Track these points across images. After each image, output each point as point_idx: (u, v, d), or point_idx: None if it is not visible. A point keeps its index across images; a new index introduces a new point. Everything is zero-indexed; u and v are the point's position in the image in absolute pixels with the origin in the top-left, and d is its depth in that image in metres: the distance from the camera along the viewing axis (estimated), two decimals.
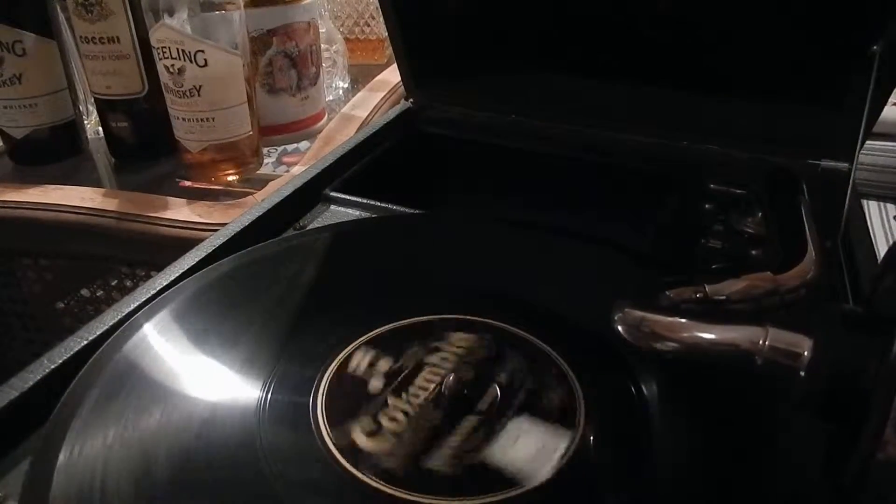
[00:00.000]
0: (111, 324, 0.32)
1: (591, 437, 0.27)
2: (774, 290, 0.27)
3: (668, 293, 0.27)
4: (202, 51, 0.62)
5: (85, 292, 0.75)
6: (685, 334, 0.25)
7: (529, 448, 0.26)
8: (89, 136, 0.80)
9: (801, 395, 0.22)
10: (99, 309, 0.74)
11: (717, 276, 0.29)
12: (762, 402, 0.27)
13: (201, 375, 0.30)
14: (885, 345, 0.19)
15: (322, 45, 0.82)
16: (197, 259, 0.37)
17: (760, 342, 0.23)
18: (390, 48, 0.61)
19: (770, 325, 0.23)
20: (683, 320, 0.25)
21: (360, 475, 0.25)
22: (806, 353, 0.22)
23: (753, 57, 0.49)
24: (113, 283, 0.73)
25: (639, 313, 0.26)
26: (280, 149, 0.78)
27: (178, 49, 0.62)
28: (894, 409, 0.18)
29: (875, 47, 0.42)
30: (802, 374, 0.22)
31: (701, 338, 0.24)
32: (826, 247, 0.37)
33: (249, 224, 0.41)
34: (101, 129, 0.76)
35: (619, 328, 0.26)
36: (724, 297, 0.27)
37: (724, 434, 0.28)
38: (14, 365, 0.79)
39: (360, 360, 0.31)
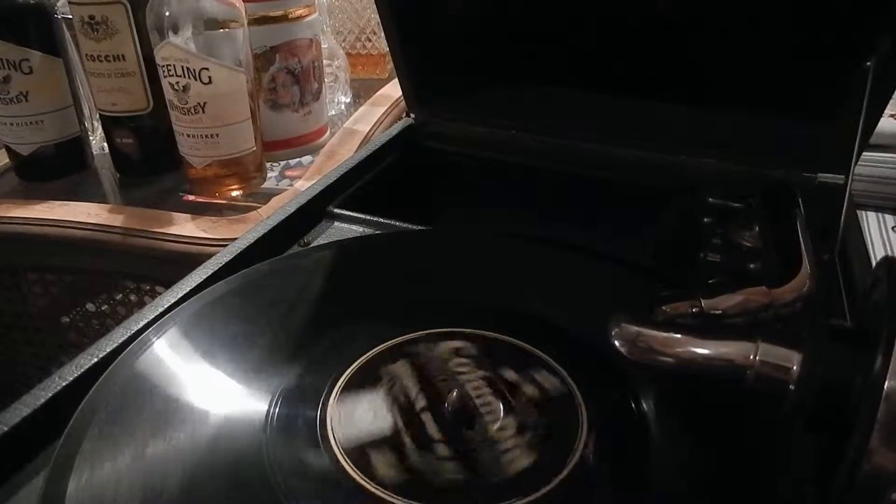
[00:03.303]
0: (121, 341, 0.33)
1: (593, 449, 0.28)
2: (770, 305, 0.28)
3: (664, 308, 0.28)
4: (206, 68, 0.63)
5: (90, 307, 0.76)
6: (679, 349, 0.25)
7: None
8: (94, 152, 0.81)
9: (791, 408, 0.23)
10: (104, 323, 0.75)
11: (713, 290, 0.29)
12: (758, 413, 0.27)
13: (210, 391, 0.31)
14: (869, 360, 0.20)
15: (324, 61, 0.83)
16: (204, 276, 0.38)
17: (751, 357, 0.24)
18: (391, 63, 0.61)
19: (761, 340, 0.24)
20: (678, 335, 0.26)
21: (369, 487, 0.26)
22: (795, 368, 0.23)
23: (751, 72, 0.49)
24: (118, 298, 0.73)
25: (635, 328, 0.26)
26: (283, 162, 0.78)
27: (182, 67, 0.63)
28: (878, 422, 0.18)
29: (869, 62, 0.43)
30: (792, 387, 0.23)
31: (695, 352, 0.25)
32: (823, 260, 0.37)
33: (255, 241, 0.42)
34: (106, 145, 0.77)
35: (616, 343, 0.27)
36: (719, 312, 0.28)
37: (720, 444, 0.28)
38: (19, 379, 0.80)
39: (366, 374, 0.32)
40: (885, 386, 0.19)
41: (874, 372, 0.19)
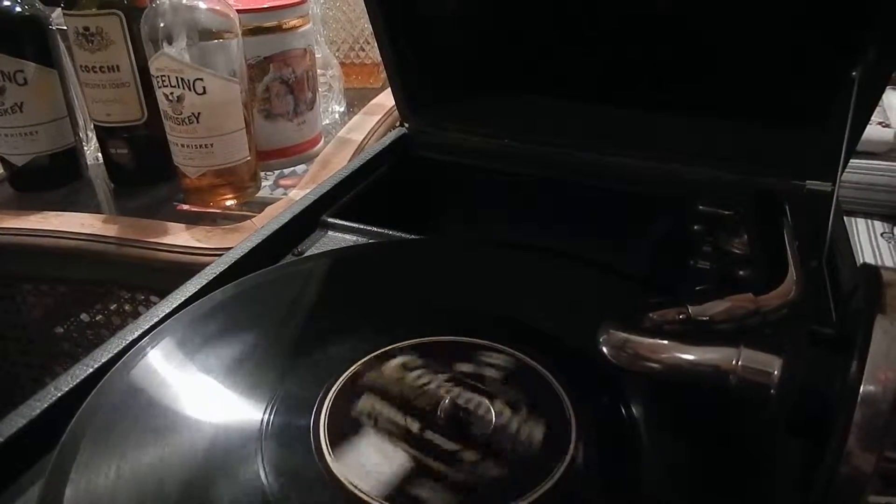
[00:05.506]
0: (116, 351, 0.33)
1: (583, 456, 0.28)
2: (756, 311, 0.29)
3: (652, 314, 0.28)
4: (201, 79, 0.63)
5: (84, 317, 0.76)
6: (665, 355, 0.26)
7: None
8: (89, 163, 0.81)
9: (772, 412, 0.24)
10: (98, 333, 0.75)
11: (700, 297, 0.30)
12: (742, 417, 0.28)
13: (205, 401, 0.31)
14: (846, 365, 0.20)
15: (318, 70, 0.83)
16: (199, 286, 0.38)
17: (734, 362, 0.24)
18: (385, 72, 0.62)
19: (744, 345, 0.25)
20: (665, 342, 0.26)
21: (363, 497, 0.26)
22: (776, 373, 0.23)
23: (740, 82, 0.50)
24: (112, 308, 0.73)
25: (622, 335, 0.27)
26: (277, 172, 0.79)
27: (177, 77, 0.63)
28: (855, 424, 0.19)
29: (854, 72, 0.43)
30: (773, 392, 0.23)
31: (680, 358, 0.26)
32: (810, 267, 0.38)
33: (249, 251, 0.42)
34: (100, 155, 0.78)
35: (604, 349, 0.27)
36: (706, 319, 0.28)
37: (707, 448, 0.29)
38: (13, 389, 0.79)
39: (360, 383, 0.32)
40: (861, 390, 0.19)
41: (850, 376, 0.20)
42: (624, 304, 0.31)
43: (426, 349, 0.34)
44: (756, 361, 0.24)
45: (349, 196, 0.52)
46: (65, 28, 0.69)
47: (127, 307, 0.72)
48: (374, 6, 0.55)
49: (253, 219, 0.67)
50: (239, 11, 0.67)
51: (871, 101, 0.44)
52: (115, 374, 0.31)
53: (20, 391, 0.81)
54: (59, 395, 0.31)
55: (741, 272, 0.40)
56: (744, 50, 0.49)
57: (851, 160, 0.46)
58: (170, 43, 0.62)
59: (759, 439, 0.27)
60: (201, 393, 0.32)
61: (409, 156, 0.60)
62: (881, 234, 0.76)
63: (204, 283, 0.39)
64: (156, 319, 0.36)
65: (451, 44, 0.60)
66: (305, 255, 0.45)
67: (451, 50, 0.60)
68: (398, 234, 0.46)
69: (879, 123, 0.78)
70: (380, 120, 0.89)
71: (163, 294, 0.39)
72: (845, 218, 0.63)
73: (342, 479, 0.27)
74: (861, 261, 0.47)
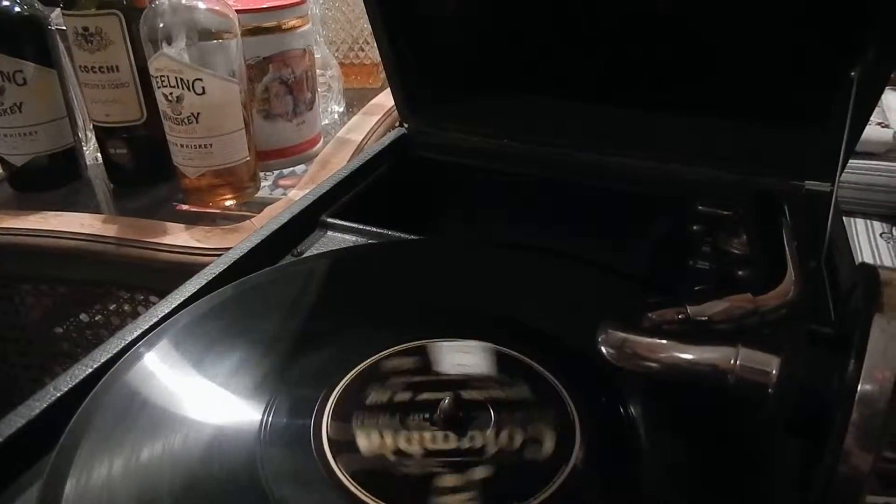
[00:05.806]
0: (115, 352, 0.33)
1: (586, 457, 0.28)
2: (754, 311, 0.29)
3: (650, 314, 0.28)
4: (200, 79, 0.63)
5: (84, 317, 0.76)
6: (664, 354, 0.26)
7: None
8: (88, 163, 0.81)
9: (770, 411, 0.24)
10: (97, 334, 0.75)
11: (699, 297, 0.30)
12: (743, 418, 0.28)
13: (204, 401, 0.31)
14: (844, 364, 0.20)
15: (317, 71, 0.83)
16: (198, 287, 0.38)
17: (732, 361, 0.24)
18: (384, 72, 0.62)
19: (741, 345, 0.25)
20: (663, 341, 0.26)
21: (364, 497, 0.26)
22: (774, 372, 0.23)
23: (740, 82, 0.50)
24: (111, 308, 0.73)
25: (621, 334, 0.27)
26: (276, 172, 0.79)
27: (176, 77, 0.63)
28: (852, 424, 0.19)
29: (853, 72, 0.43)
30: (771, 391, 0.23)
31: (679, 358, 0.26)
32: (809, 267, 0.38)
33: (248, 251, 0.42)
34: (99, 155, 0.78)
35: (603, 349, 0.27)
36: (705, 318, 0.28)
37: (708, 449, 0.29)
38: (12, 389, 0.79)
39: (360, 384, 0.32)
40: (858, 389, 0.19)
41: (848, 375, 0.20)
42: (624, 304, 0.31)
43: (426, 350, 0.34)
44: (754, 361, 0.24)
45: (348, 196, 0.52)
46: (64, 28, 0.69)
47: (126, 307, 0.72)
48: (373, 6, 0.55)
49: (252, 219, 0.67)
50: (238, 12, 0.67)
51: (870, 102, 0.44)
52: (115, 375, 0.31)
53: (19, 392, 0.81)
54: (59, 395, 0.31)
55: (740, 272, 0.40)
56: (743, 50, 0.49)
57: (850, 160, 0.46)
58: (169, 43, 0.62)
59: (758, 439, 0.27)
60: (200, 393, 0.31)
61: (408, 156, 0.60)
62: (880, 235, 0.76)
63: (203, 284, 0.39)
64: (155, 320, 0.36)
65: (450, 44, 0.60)
66: (305, 255, 0.45)
67: (451, 50, 0.60)
68: (398, 234, 0.46)
69: (878, 124, 0.78)
70: (379, 120, 0.89)
71: (162, 294, 0.38)
72: (844, 218, 0.63)
73: (343, 479, 0.27)
74: (860, 261, 0.47)
